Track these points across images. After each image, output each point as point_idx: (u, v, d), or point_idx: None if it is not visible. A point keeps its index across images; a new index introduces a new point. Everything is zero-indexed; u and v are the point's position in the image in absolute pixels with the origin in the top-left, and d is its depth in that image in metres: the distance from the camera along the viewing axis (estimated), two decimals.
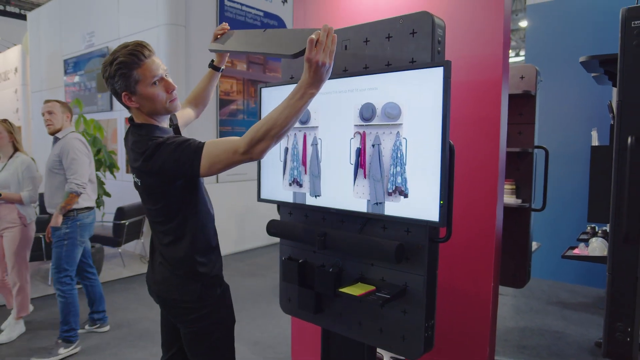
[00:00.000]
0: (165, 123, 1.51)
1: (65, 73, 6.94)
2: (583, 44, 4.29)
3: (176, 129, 1.60)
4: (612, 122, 2.03)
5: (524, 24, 13.02)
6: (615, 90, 2.12)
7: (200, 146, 1.31)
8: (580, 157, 4.25)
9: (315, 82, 1.25)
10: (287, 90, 1.43)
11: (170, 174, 1.35)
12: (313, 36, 1.22)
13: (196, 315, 1.49)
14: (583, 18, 4.35)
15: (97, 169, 4.50)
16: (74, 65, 6.74)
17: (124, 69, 1.35)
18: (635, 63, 1.44)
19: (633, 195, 1.44)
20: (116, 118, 6.04)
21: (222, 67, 1.80)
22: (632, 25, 1.43)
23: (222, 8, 5.64)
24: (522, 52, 14.82)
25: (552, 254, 4.04)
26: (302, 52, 1.28)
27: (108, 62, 1.38)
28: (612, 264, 1.55)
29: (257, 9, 6.11)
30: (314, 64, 1.23)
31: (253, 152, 1.26)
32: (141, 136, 1.41)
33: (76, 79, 6.70)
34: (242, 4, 5.89)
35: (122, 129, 5.97)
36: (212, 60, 1.79)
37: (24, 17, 11.43)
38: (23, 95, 9.08)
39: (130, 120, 1.50)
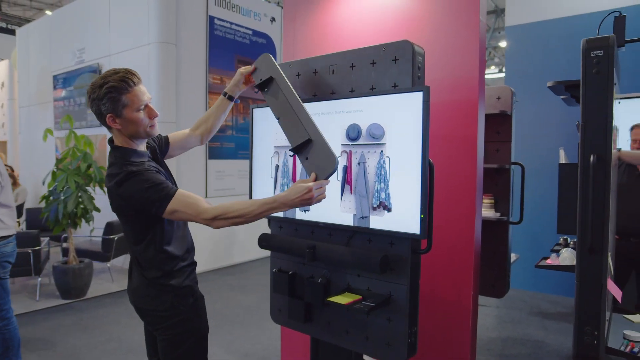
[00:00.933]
0: (142, 146, 1.60)
1: (55, 88, 6.97)
2: (557, 66, 4.49)
3: (153, 150, 1.68)
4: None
5: (504, 44, 13.38)
6: None
7: (172, 192, 1.44)
8: (554, 173, 4.41)
9: (293, 204, 1.42)
10: None
11: (136, 206, 1.47)
12: (325, 182, 1.44)
13: (170, 322, 1.58)
14: (558, 41, 4.56)
15: (87, 184, 4.51)
16: (63, 80, 6.77)
17: (114, 93, 1.44)
18: (594, 88, 1.59)
19: (596, 209, 1.57)
20: (105, 134, 6.07)
21: (234, 96, 1.78)
22: (592, 55, 1.59)
23: (212, 27, 5.77)
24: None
25: (532, 266, 4.17)
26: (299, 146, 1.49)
27: (97, 85, 1.46)
28: (579, 273, 1.67)
29: (246, 28, 6.25)
30: (309, 193, 1.40)
31: (214, 224, 1.45)
32: (117, 158, 1.52)
33: (66, 94, 6.73)
34: (231, 23, 6.03)
35: None
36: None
37: (11, 32, 11.42)
38: (10, 110, 9.04)
39: (109, 141, 1.59)
